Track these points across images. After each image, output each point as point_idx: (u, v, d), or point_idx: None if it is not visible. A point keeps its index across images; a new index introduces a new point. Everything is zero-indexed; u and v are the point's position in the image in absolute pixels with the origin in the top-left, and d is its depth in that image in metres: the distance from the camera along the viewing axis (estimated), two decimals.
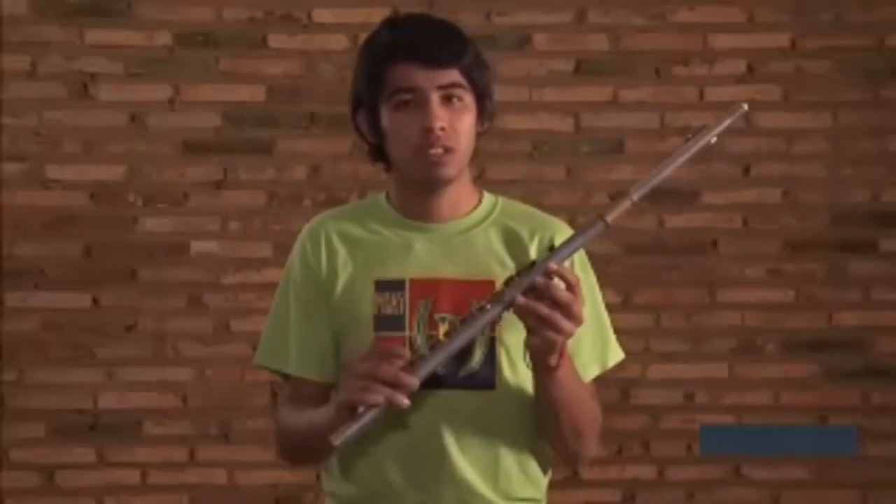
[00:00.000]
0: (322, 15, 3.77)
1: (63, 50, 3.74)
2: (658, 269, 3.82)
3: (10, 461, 3.73)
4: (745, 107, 1.79)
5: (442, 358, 1.70)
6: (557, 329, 1.67)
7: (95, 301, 3.74)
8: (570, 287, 1.68)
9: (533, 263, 1.71)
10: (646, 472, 3.80)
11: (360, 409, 1.66)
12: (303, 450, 1.89)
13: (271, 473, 3.72)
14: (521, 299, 1.67)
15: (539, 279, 1.67)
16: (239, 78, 3.77)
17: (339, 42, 3.76)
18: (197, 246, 3.76)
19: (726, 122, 1.78)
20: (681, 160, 1.76)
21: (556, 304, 1.67)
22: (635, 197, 1.74)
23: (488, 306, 1.69)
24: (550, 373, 1.75)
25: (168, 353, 3.74)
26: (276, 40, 3.78)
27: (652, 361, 3.80)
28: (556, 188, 3.78)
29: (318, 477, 3.72)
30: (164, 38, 3.76)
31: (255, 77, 3.78)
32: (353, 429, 1.66)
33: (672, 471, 3.81)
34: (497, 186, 1.99)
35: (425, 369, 1.68)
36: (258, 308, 3.69)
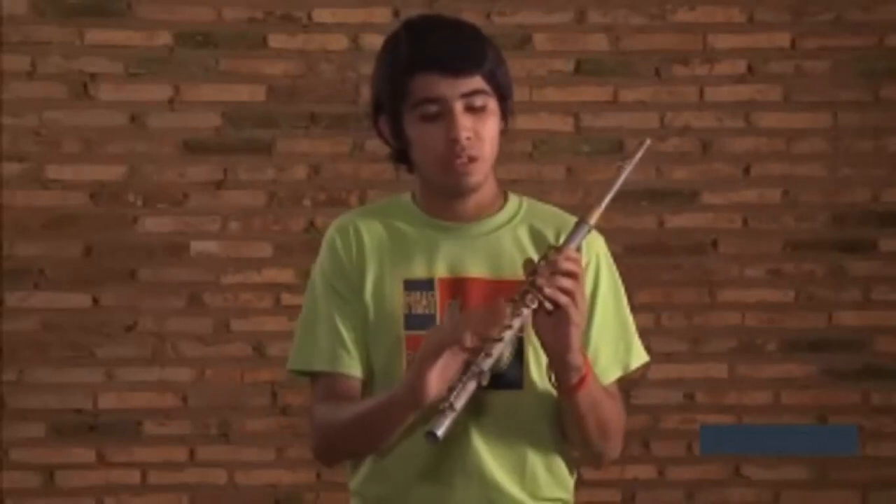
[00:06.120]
0: (322, 15, 3.77)
1: (63, 50, 3.74)
2: (658, 269, 3.82)
3: (10, 461, 3.73)
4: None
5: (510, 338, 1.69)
6: (575, 308, 1.69)
7: (95, 301, 3.74)
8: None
9: (541, 259, 1.73)
10: (646, 471, 3.80)
11: (451, 397, 1.63)
12: (356, 441, 1.81)
13: (271, 473, 3.72)
14: (541, 281, 1.68)
15: (553, 259, 1.71)
16: (239, 78, 3.77)
17: (339, 42, 3.75)
18: (197, 246, 3.76)
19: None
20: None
21: (570, 275, 1.70)
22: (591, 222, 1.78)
23: (517, 297, 1.69)
24: (574, 391, 1.76)
25: (168, 353, 3.74)
26: (276, 40, 3.78)
27: (652, 361, 3.76)
28: (556, 188, 3.77)
29: (318, 476, 3.75)
30: (163, 38, 3.76)
31: (255, 77, 3.78)
32: (450, 418, 1.62)
33: (672, 471, 3.81)
34: None
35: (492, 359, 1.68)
36: (258, 308, 3.69)
